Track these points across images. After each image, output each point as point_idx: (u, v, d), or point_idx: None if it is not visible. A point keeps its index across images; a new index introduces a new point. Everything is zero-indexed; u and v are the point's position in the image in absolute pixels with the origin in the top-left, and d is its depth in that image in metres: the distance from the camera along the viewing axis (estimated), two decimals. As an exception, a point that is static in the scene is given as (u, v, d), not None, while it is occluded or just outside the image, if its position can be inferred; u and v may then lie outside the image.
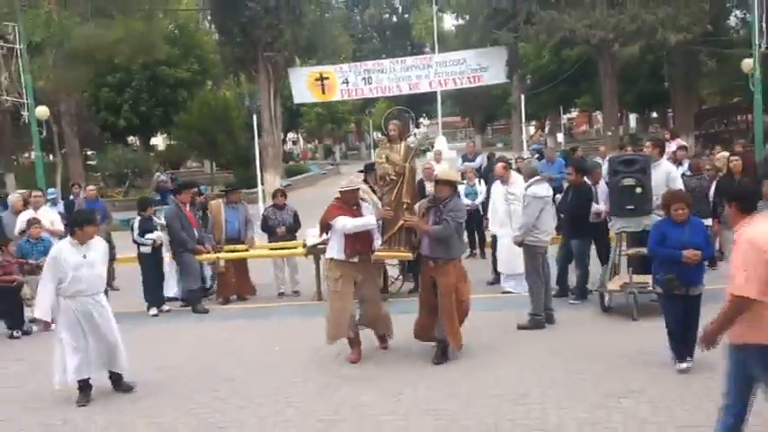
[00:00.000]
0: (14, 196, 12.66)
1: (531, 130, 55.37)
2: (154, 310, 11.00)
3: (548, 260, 9.20)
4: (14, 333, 10.14)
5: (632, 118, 60.03)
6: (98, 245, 7.36)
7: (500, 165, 11.18)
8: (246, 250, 11.62)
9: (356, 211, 7.72)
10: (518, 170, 12.59)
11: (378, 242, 8.01)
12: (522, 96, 24.63)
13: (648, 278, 8.71)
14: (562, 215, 10.28)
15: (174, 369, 8.15)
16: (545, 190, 8.99)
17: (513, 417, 6.09)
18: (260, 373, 7.79)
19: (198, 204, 12.09)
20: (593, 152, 23.69)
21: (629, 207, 8.84)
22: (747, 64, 19.95)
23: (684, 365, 6.83)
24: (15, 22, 20.38)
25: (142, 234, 10.99)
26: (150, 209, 11.44)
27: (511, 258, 10.27)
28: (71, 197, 15.50)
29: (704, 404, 5.96)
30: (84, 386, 7.19)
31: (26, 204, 11.87)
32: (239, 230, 11.63)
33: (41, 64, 23.40)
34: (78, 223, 7.29)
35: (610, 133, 27.57)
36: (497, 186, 10.70)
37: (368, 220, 7.70)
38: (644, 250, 8.78)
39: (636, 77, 37.00)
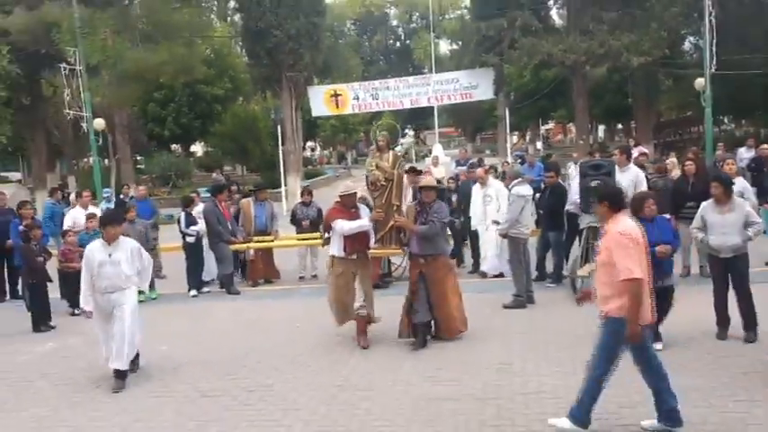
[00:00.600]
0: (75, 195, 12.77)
1: (515, 138, 55.26)
2: (194, 292, 11.01)
3: (528, 249, 9.19)
4: (75, 311, 10.16)
5: (600, 129, 59.84)
6: (125, 245, 6.86)
7: (481, 169, 11.26)
8: (272, 241, 11.63)
9: (354, 213, 7.58)
10: (504, 173, 12.62)
11: (373, 241, 7.83)
12: (507, 110, 24.58)
13: None
14: (541, 211, 10.31)
15: (211, 342, 8.16)
16: (527, 190, 9.00)
17: (498, 383, 6.07)
18: (284, 345, 7.79)
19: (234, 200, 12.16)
20: (568, 158, 23.60)
21: None
22: (699, 83, 19.93)
23: (659, 346, 6.33)
24: (76, 47, 20.39)
25: (187, 227, 11.02)
26: (193, 205, 11.45)
27: (486, 248, 10.73)
28: (121, 196, 15.54)
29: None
30: (118, 374, 6.67)
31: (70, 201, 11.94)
32: (266, 224, 11.64)
33: (98, 83, 23.43)
34: (102, 224, 7.02)
35: (581, 142, 27.54)
36: (477, 188, 10.81)
37: (362, 222, 7.52)
38: None
39: (603, 94, 36.93)
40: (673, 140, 37.97)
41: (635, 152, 14.98)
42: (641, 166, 12.08)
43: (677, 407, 4.83)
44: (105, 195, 14.57)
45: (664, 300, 6.16)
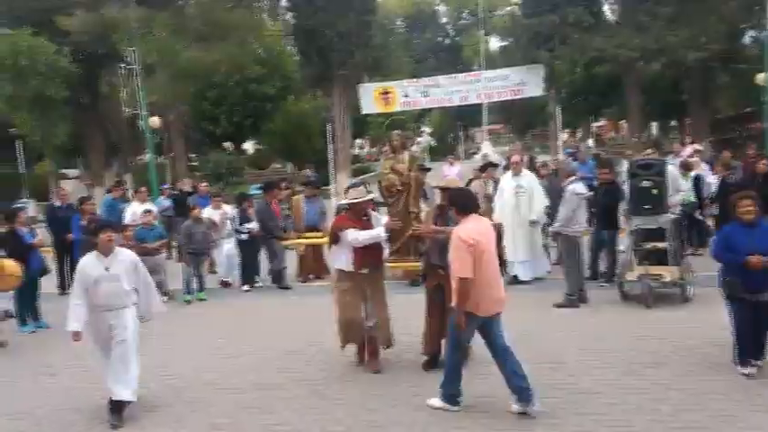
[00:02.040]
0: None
1: (565, 136, 54.49)
2: (246, 287, 11.20)
3: (582, 248, 9.05)
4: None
5: (654, 126, 58.44)
6: (124, 257, 5.90)
7: (516, 156, 10.82)
8: (322, 237, 11.73)
9: (366, 223, 6.53)
10: (556, 171, 12.42)
11: (386, 252, 6.87)
12: (558, 107, 24.27)
13: (662, 269, 8.55)
14: (593, 209, 10.06)
15: (264, 336, 8.29)
16: (582, 188, 8.83)
17: (550, 381, 6.02)
18: (332, 336, 7.82)
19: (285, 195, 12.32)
20: (620, 156, 23.16)
21: (647, 206, 8.57)
22: (761, 78, 19.31)
23: (747, 370, 5.80)
24: (134, 46, 20.94)
25: (241, 224, 11.22)
26: (247, 202, 11.64)
27: (517, 247, 10.01)
28: (177, 191, 15.91)
29: (721, 374, 5.86)
30: (115, 406, 5.77)
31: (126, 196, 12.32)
32: (316, 220, 11.76)
33: (154, 82, 24.03)
34: (93, 231, 5.99)
35: (635, 139, 27.03)
36: (507, 179, 10.22)
37: (378, 232, 6.44)
38: (659, 245, 8.66)
39: (657, 90, 36.05)
40: (730, 138, 36.79)
41: (688, 149, 14.66)
42: (688, 167, 11.75)
43: (524, 385, 5.30)
44: (165, 187, 14.93)
45: (760, 317, 5.74)
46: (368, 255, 6.45)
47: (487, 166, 9.63)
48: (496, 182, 10.90)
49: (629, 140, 29.55)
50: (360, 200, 6.54)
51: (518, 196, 10.00)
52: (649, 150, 9.74)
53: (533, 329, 7.66)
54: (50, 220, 11.74)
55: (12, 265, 8.43)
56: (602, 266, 9.93)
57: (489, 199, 10.46)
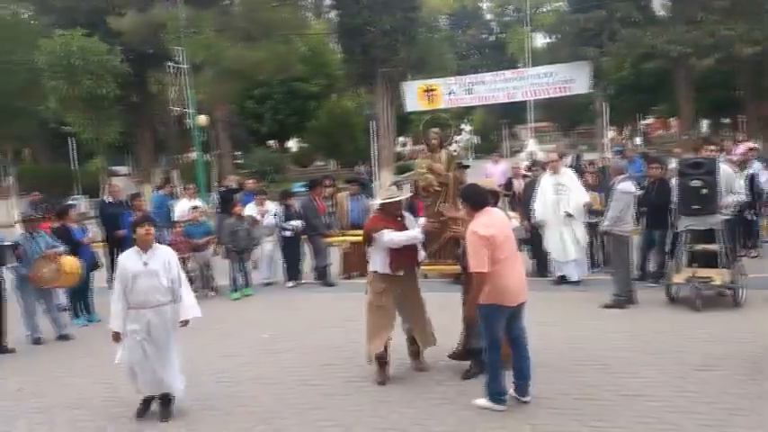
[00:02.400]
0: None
1: (612, 133, 53.57)
2: (291, 283, 11.31)
3: (631, 248, 8.88)
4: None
5: (704, 123, 56.96)
6: (161, 252, 5.87)
7: (554, 154, 10.53)
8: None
9: (400, 223, 6.30)
10: (603, 168, 12.21)
11: (422, 254, 6.63)
12: (605, 104, 23.87)
13: (712, 272, 8.30)
14: (643, 208, 9.84)
15: (308, 332, 8.37)
16: (632, 186, 8.67)
17: (597, 382, 5.95)
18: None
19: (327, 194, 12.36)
20: (668, 155, 22.66)
21: (696, 207, 8.29)
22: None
23: None
24: (182, 45, 21.32)
25: (285, 221, 11.32)
26: (292, 199, 11.72)
27: (562, 246, 9.84)
28: (223, 189, 16.16)
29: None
30: (145, 404, 5.94)
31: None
32: (361, 218, 11.80)
33: (201, 80, 24.44)
34: (132, 226, 6.02)
35: (685, 137, 26.37)
36: (547, 177, 10.05)
37: (415, 233, 6.22)
38: (709, 247, 8.39)
39: (709, 86, 35.12)
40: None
41: (742, 147, 14.24)
42: (742, 166, 11.38)
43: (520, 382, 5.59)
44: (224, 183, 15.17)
45: None
46: (404, 256, 6.25)
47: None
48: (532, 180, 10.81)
49: (679, 138, 28.87)
50: (393, 200, 6.32)
51: (559, 194, 9.86)
52: (712, 147, 9.39)
53: (580, 330, 7.58)
54: (102, 216, 12.06)
55: (72, 263, 8.67)
56: (652, 266, 9.74)
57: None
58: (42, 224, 9.52)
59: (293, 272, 11.42)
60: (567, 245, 9.83)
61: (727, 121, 50.95)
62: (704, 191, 8.19)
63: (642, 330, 7.45)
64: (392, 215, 6.29)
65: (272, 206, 11.69)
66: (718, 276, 8.22)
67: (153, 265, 5.74)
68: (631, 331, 7.44)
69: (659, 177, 9.58)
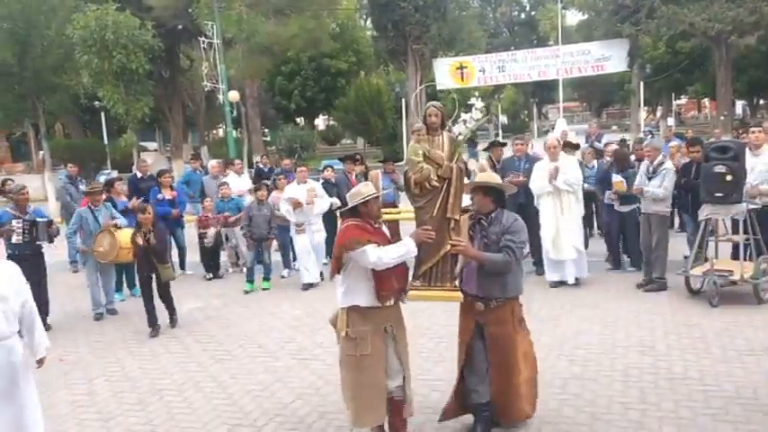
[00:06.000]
0: (212, 163, 13.41)
1: (644, 114, 52.77)
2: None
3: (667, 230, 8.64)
4: (207, 276, 10.72)
5: (739, 105, 55.74)
6: (8, 271, 4.26)
7: (553, 138, 9.44)
8: (399, 213, 11.72)
9: (380, 232, 4.54)
10: (641, 149, 11.91)
11: (411, 275, 4.63)
12: (642, 83, 23.44)
13: (733, 264, 7.86)
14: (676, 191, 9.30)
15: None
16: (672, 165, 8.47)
17: (640, 365, 5.84)
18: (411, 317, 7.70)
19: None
20: (703, 135, 22.21)
21: (718, 194, 7.48)
22: None
23: None
24: (214, 21, 21.31)
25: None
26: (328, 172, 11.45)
27: (564, 243, 8.64)
28: (260, 165, 16.21)
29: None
30: None
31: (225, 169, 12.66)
32: (392, 196, 11.73)
33: (233, 56, 24.42)
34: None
35: (723, 118, 25.82)
36: (543, 164, 8.87)
37: (407, 247, 4.35)
38: (736, 238, 7.85)
39: (747, 66, 34.31)
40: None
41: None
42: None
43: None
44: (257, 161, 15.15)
45: None
46: (396, 279, 4.41)
47: (496, 145, 9.30)
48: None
49: (715, 119, 28.28)
50: (371, 195, 4.41)
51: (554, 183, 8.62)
52: (756, 129, 8.68)
53: (619, 314, 7.45)
54: (132, 190, 12.11)
55: (128, 238, 8.50)
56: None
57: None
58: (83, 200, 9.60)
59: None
60: (562, 242, 8.70)
61: (762, 102, 49.86)
62: (729, 177, 7.45)
63: (682, 314, 7.27)
64: (371, 219, 4.47)
65: (316, 184, 10.41)
66: (738, 269, 7.60)
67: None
68: (670, 315, 7.27)
69: (699, 159, 9.23)
